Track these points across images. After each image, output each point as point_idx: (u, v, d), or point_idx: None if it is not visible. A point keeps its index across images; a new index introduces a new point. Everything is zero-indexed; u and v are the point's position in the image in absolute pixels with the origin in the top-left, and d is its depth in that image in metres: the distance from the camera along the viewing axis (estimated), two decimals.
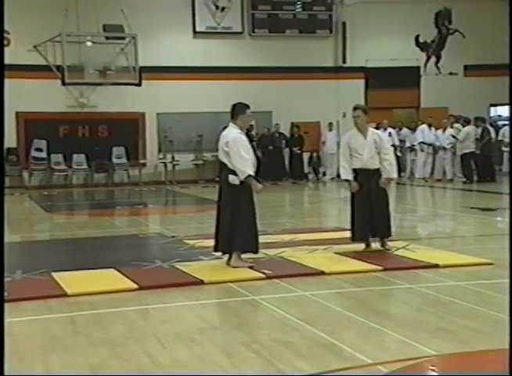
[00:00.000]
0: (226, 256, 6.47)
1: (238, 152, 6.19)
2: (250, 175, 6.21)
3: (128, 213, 12.17)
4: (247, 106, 6.48)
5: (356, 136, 6.99)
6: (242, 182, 6.22)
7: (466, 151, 16.31)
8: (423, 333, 4.30)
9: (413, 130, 18.11)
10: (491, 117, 19.63)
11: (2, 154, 3.63)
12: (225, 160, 6.30)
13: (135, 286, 5.63)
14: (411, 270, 6.22)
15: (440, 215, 11.12)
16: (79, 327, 4.58)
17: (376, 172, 6.92)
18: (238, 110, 6.45)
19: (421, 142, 17.31)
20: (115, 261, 6.70)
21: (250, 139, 18.23)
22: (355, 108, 7.06)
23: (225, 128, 6.64)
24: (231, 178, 6.23)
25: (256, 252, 6.38)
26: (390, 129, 18.13)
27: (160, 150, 18.59)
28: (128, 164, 17.98)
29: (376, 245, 7.08)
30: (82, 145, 17.57)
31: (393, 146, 17.84)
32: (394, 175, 6.97)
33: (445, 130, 17.13)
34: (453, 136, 16.62)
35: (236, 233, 6.23)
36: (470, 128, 16.43)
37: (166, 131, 18.37)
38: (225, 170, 6.30)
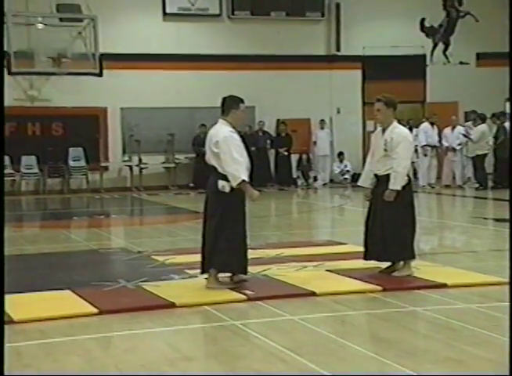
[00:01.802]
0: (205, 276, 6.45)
1: (230, 153, 6.10)
2: (243, 181, 6.11)
3: (87, 225, 12.11)
4: (241, 100, 6.40)
5: (378, 134, 6.84)
6: (233, 189, 6.14)
7: (480, 153, 16.41)
8: (430, 364, 4.32)
9: (411, 128, 18.22)
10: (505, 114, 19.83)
11: (2, 154, 3.69)
12: (214, 163, 6.22)
13: (95, 310, 5.61)
14: (415, 291, 6.25)
15: (448, 227, 11.19)
16: (27, 358, 4.55)
17: (386, 180, 6.61)
18: (230, 104, 6.36)
19: (425, 146, 17.35)
20: (71, 281, 6.66)
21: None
22: (377, 100, 6.75)
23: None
24: (220, 184, 6.16)
25: (242, 273, 6.35)
26: None
27: (124, 152, 18.54)
28: (86, 167, 17.91)
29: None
30: (32, 145, 17.48)
31: None
32: (396, 186, 6.52)
33: (454, 128, 17.26)
34: (465, 135, 16.73)
35: (218, 248, 6.18)
36: (485, 127, 16.53)
37: (132, 129, 18.33)
38: (213, 174, 6.23)
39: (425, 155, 17.42)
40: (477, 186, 16.48)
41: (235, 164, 6.08)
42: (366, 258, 6.79)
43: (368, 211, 6.85)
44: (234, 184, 6.11)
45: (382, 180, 6.67)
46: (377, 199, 6.69)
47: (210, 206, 6.31)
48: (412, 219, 6.72)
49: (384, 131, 6.77)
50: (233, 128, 6.34)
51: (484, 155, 16.47)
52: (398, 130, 6.75)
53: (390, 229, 6.60)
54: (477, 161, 16.42)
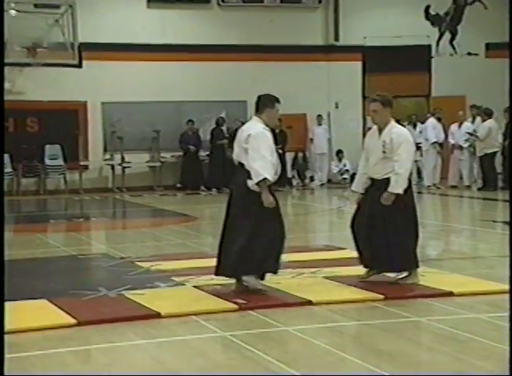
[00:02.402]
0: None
1: (258, 149, 6.24)
2: (265, 179, 6.19)
3: (66, 228, 12.09)
4: (277, 100, 6.60)
5: (373, 135, 6.79)
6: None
7: (489, 151, 16.44)
8: None
9: (415, 125, 18.26)
10: None
11: (3, 154, 3.78)
12: (243, 160, 6.35)
13: (73, 321, 5.60)
14: (419, 299, 6.27)
15: (455, 231, 11.21)
16: None
17: (385, 184, 6.58)
18: (265, 103, 6.55)
19: (435, 143, 17.38)
20: (48, 289, 6.65)
21: (224, 135, 18.45)
22: (373, 100, 6.72)
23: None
24: (250, 182, 6.26)
25: (275, 272, 6.48)
26: None
27: (105, 149, 18.53)
28: (64, 166, 17.89)
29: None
30: (5, 142, 17.41)
31: None
32: (397, 189, 6.48)
33: (461, 125, 17.30)
34: (470, 134, 16.75)
35: (252, 249, 6.26)
36: (492, 123, 16.56)
37: (113, 125, 18.32)
38: (240, 172, 6.34)
39: (438, 152, 17.44)
40: (481, 186, 16.49)
41: (261, 161, 6.22)
42: (370, 269, 6.77)
43: (356, 217, 6.78)
44: (255, 180, 6.21)
45: (380, 184, 6.64)
46: (374, 205, 6.64)
47: (241, 206, 6.34)
48: (415, 225, 6.73)
49: (380, 132, 6.72)
50: (266, 126, 6.50)
51: (494, 154, 16.51)
52: (397, 130, 6.72)
53: (394, 238, 6.58)
54: (486, 161, 16.43)
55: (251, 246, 6.27)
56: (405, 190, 6.63)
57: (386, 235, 6.60)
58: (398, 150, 6.58)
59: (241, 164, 6.38)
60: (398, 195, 6.58)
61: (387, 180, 6.60)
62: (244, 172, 6.33)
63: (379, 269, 6.78)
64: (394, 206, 6.57)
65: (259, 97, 6.61)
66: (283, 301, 6.22)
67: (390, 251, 6.59)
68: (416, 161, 18.42)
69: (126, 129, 18.32)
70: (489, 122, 16.56)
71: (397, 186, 6.54)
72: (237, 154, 6.45)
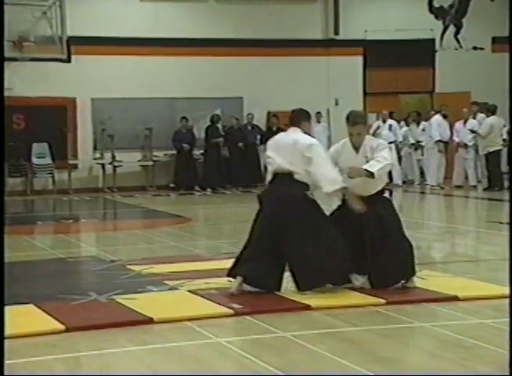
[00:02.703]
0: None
1: (325, 157, 6.57)
2: (346, 187, 6.48)
3: (54, 230, 12.09)
4: (309, 115, 6.98)
5: (347, 152, 6.75)
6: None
7: (492, 149, 16.46)
8: None
9: (418, 123, 18.29)
10: None
11: (3, 154, 3.84)
12: (293, 169, 6.52)
13: (62, 327, 5.60)
14: (422, 304, 6.28)
15: (460, 233, 11.23)
16: None
17: (376, 199, 6.65)
18: (301, 117, 6.85)
19: (439, 141, 17.40)
20: (35, 294, 6.65)
21: (219, 133, 18.46)
22: (355, 123, 6.66)
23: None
24: (328, 189, 6.46)
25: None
26: (391, 121, 18.28)
27: (95, 148, 18.53)
28: (52, 165, 17.88)
29: None
30: None
31: (394, 142, 18.01)
32: (374, 168, 6.45)
33: (466, 122, 17.32)
34: (472, 131, 16.77)
35: (314, 262, 6.44)
36: (494, 119, 16.56)
37: (104, 122, 18.32)
38: (286, 181, 6.51)
39: (440, 152, 17.46)
40: (486, 186, 16.50)
41: (333, 168, 6.55)
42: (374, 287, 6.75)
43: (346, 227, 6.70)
44: (332, 188, 6.44)
45: (367, 199, 6.62)
46: (361, 220, 6.57)
47: (299, 215, 6.48)
48: (403, 231, 6.79)
49: (357, 149, 6.72)
50: None
51: (498, 152, 16.51)
52: (374, 140, 6.88)
53: (393, 247, 6.63)
54: (490, 159, 16.43)
55: (323, 254, 6.44)
56: (390, 195, 6.77)
57: (384, 246, 6.63)
58: (379, 153, 6.62)
59: (286, 174, 6.53)
60: (384, 199, 6.73)
61: (377, 193, 6.71)
62: (295, 181, 6.51)
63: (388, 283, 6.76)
64: (385, 217, 6.63)
65: (293, 111, 6.89)
66: (280, 305, 6.23)
67: (387, 263, 6.62)
68: (418, 160, 18.49)
69: (117, 127, 18.31)
70: (492, 119, 16.59)
71: (374, 167, 6.51)
72: (281, 163, 6.56)
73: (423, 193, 17.20)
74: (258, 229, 6.64)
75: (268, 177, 6.77)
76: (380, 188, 6.75)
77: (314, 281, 6.52)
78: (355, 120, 6.73)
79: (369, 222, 6.59)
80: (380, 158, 6.58)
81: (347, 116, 6.77)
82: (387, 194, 6.90)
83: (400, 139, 18.33)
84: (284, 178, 6.57)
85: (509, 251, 3.56)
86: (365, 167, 6.54)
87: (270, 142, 6.85)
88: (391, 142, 18.22)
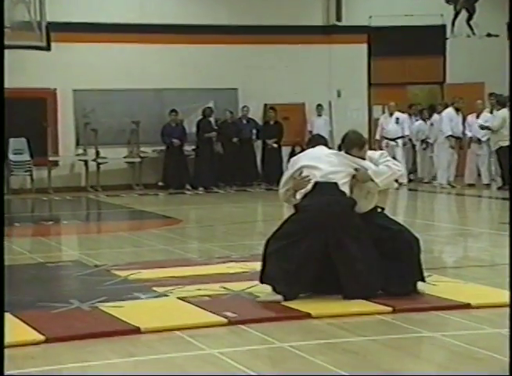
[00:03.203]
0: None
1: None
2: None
3: (32, 232, 12.08)
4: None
5: None
6: None
7: (504, 144, 16.47)
8: None
9: (424, 119, 18.34)
10: None
11: (3, 153, 3.86)
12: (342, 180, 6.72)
13: (41, 337, 5.60)
14: (432, 312, 6.28)
15: (472, 235, 11.24)
16: None
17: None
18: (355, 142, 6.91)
19: (450, 136, 17.42)
20: (12, 302, 6.62)
21: (212, 127, 18.43)
22: (363, 144, 6.88)
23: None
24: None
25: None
26: (398, 114, 18.29)
27: (78, 143, 18.52)
28: (31, 162, 17.86)
29: None
30: None
31: (402, 137, 18.01)
32: (377, 178, 6.67)
33: (479, 115, 17.34)
34: (482, 127, 16.78)
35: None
36: (506, 113, 16.56)
37: (87, 115, 18.31)
38: (336, 192, 6.64)
39: (452, 148, 17.48)
40: (501, 184, 16.52)
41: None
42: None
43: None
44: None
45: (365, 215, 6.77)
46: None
47: (358, 226, 6.63)
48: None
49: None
50: None
51: (510, 147, 16.51)
52: (373, 153, 6.95)
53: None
54: (502, 155, 16.42)
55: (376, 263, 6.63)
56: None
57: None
58: (382, 161, 6.78)
59: (335, 184, 6.63)
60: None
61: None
62: (341, 192, 6.62)
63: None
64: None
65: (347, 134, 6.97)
66: (278, 314, 6.23)
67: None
68: (430, 157, 18.51)
69: (101, 120, 18.30)
70: (503, 112, 16.59)
71: (378, 176, 6.68)
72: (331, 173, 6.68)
73: (432, 192, 17.21)
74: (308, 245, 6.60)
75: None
76: (371, 207, 6.82)
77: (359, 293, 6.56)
78: (363, 141, 6.89)
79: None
80: (385, 167, 6.72)
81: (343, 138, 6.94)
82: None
83: (407, 133, 18.32)
84: (332, 189, 6.68)
85: (509, 251, 3.58)
86: (371, 173, 6.68)
87: None
88: (398, 138, 18.28)
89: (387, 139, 18.29)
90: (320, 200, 6.63)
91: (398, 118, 18.30)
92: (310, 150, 7.11)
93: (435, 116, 18.15)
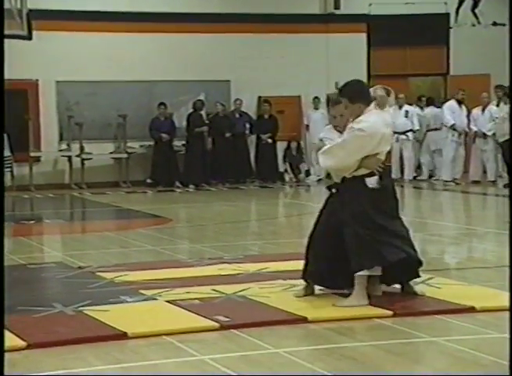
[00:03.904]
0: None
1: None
2: None
3: (13, 232, 12.05)
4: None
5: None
6: None
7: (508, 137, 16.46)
8: None
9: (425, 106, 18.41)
10: None
11: (2, 153, 3.91)
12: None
13: (22, 343, 5.59)
14: (434, 316, 6.30)
15: (477, 235, 11.27)
16: None
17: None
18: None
19: (453, 126, 17.46)
20: None
21: (203, 121, 18.36)
22: (335, 102, 6.61)
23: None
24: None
25: None
26: (407, 107, 18.31)
27: (61, 138, 18.50)
28: (11, 158, 17.83)
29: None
30: None
31: (411, 131, 18.05)
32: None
33: (484, 109, 17.36)
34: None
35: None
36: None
37: (71, 108, 18.29)
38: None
39: (459, 134, 17.48)
40: (507, 181, 16.54)
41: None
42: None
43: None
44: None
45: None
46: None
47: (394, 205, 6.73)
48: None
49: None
50: None
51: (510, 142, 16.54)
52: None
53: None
54: (506, 148, 16.42)
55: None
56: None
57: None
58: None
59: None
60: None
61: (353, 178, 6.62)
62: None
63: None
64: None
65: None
66: (272, 318, 6.23)
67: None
68: (434, 152, 18.54)
69: (86, 114, 18.30)
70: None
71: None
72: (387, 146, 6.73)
73: (435, 189, 17.23)
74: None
75: None
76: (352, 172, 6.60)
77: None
78: (335, 99, 6.65)
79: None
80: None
81: (327, 97, 6.89)
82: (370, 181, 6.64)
83: (417, 127, 18.34)
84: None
85: (509, 251, 3.59)
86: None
87: None
88: (408, 131, 18.28)
89: (396, 133, 18.27)
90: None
91: (407, 111, 18.29)
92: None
93: (431, 108, 18.23)
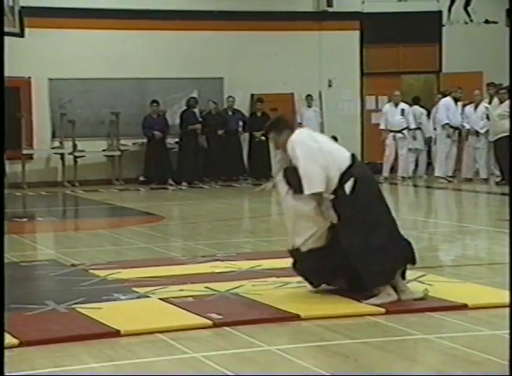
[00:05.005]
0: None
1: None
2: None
3: (6, 230, 12.00)
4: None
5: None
6: None
7: (503, 135, 16.50)
8: None
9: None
10: None
11: (3, 153, 3.92)
12: None
13: (15, 341, 5.59)
14: (427, 313, 6.30)
15: (470, 232, 11.28)
16: None
17: None
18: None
19: (447, 125, 17.49)
20: None
21: (196, 119, 18.36)
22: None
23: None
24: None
25: None
26: (403, 105, 18.32)
27: (54, 135, 18.48)
28: (4, 155, 17.79)
29: None
30: None
31: (408, 129, 18.07)
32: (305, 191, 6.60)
33: (477, 106, 17.39)
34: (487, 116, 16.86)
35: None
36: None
37: (63, 106, 18.27)
38: None
39: (448, 136, 17.52)
40: (499, 179, 16.57)
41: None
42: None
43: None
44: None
45: None
46: None
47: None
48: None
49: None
50: None
51: (507, 138, 16.54)
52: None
53: None
54: (499, 147, 16.43)
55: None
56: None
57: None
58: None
59: None
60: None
61: None
62: None
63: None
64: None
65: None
66: (265, 315, 6.23)
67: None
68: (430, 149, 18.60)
69: (78, 111, 18.28)
70: (508, 102, 16.61)
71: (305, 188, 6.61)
72: None
73: (428, 187, 17.25)
74: None
75: None
76: None
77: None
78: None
79: None
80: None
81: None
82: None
83: (413, 126, 18.34)
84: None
85: (509, 250, 3.60)
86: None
87: None
88: (403, 129, 18.29)
89: (392, 131, 18.28)
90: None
91: (403, 109, 18.29)
92: None
93: (414, 107, 18.35)
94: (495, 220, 12.48)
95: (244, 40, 19.00)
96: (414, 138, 18.36)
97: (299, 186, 6.64)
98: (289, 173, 6.81)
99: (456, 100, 17.68)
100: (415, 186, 17.72)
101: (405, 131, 18.25)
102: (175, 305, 6.52)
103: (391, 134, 18.29)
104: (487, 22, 20.47)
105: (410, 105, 18.68)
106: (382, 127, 18.39)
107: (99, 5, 18.20)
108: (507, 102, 16.60)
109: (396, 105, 18.28)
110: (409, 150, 18.27)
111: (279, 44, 19.16)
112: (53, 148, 18.42)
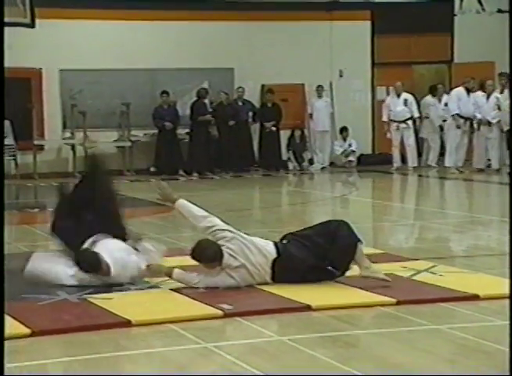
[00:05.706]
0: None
1: None
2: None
3: (18, 220, 12.08)
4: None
5: None
6: None
7: None
8: None
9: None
10: None
11: (2, 154, 3.93)
12: None
13: (27, 330, 5.61)
14: (438, 304, 6.30)
15: (481, 223, 11.26)
16: None
17: None
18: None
19: (456, 115, 17.46)
20: None
21: (207, 110, 18.34)
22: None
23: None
24: None
25: None
26: (406, 95, 18.28)
27: (65, 126, 18.50)
28: (15, 146, 17.85)
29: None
30: None
31: (411, 119, 18.04)
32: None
33: (489, 96, 17.33)
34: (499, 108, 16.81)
35: None
36: None
37: (74, 97, 18.27)
38: None
39: (458, 127, 17.49)
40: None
41: None
42: None
43: None
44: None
45: None
46: None
47: None
48: None
49: None
50: None
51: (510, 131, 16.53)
52: None
53: None
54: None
55: None
56: None
57: None
58: None
59: None
60: None
61: None
62: None
63: None
64: None
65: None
66: (276, 306, 6.25)
67: None
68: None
69: (89, 102, 18.27)
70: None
71: None
72: None
73: (440, 177, 17.22)
74: None
75: None
76: None
77: None
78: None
79: None
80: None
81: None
82: None
83: (416, 115, 18.33)
84: None
85: (509, 248, 3.58)
86: None
87: None
88: (407, 119, 18.28)
89: (395, 121, 18.26)
90: None
91: (406, 99, 18.26)
92: None
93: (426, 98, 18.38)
94: (508, 211, 12.45)
95: (255, 30, 18.96)
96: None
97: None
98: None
99: (468, 91, 17.64)
100: (426, 176, 17.68)
101: (409, 122, 18.23)
102: (186, 295, 6.54)
103: (395, 124, 18.27)
104: (499, 11, 20.37)
105: (424, 95, 18.67)
106: (384, 119, 18.37)
107: None
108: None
109: (398, 95, 18.26)
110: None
111: (290, 34, 19.11)
112: (64, 139, 18.44)
